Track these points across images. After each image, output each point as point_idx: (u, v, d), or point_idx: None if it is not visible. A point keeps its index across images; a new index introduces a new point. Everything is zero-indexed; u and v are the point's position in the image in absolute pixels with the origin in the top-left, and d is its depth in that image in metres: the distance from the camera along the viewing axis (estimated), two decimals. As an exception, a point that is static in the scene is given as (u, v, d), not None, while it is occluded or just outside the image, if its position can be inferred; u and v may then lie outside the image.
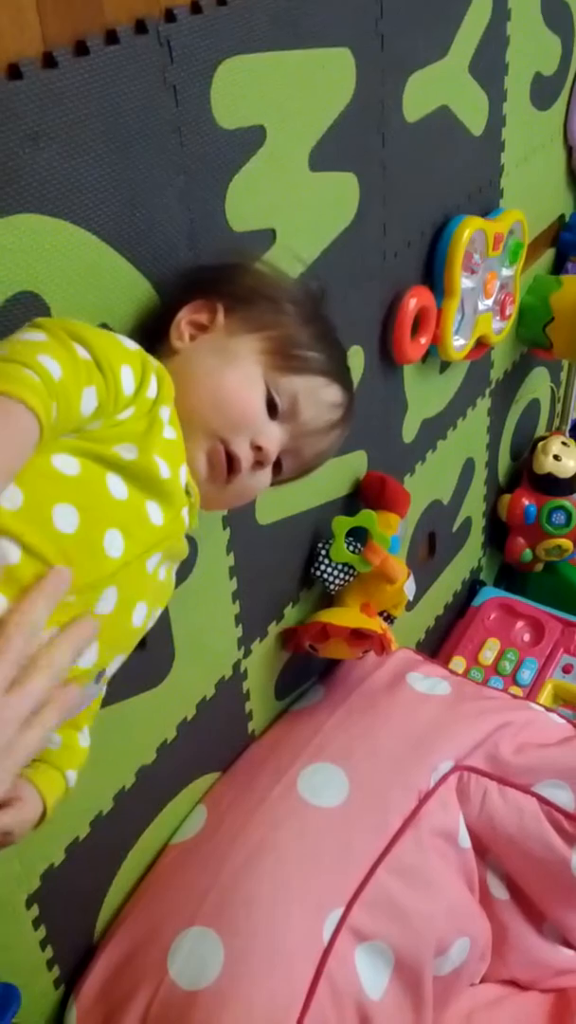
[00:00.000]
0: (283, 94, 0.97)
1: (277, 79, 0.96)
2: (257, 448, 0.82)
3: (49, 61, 0.72)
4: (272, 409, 0.84)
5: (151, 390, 0.75)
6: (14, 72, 0.70)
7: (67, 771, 0.76)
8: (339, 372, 0.91)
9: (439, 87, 1.26)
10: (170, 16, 0.82)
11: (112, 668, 0.75)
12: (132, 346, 0.75)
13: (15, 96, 0.70)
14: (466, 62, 1.31)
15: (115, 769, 1.03)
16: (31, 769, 0.73)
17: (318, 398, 0.87)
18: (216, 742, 1.21)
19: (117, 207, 0.81)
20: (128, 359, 0.73)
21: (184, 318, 0.84)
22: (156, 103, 0.82)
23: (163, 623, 1.03)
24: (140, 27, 0.79)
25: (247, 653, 1.20)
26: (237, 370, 0.82)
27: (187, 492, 0.78)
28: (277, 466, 0.87)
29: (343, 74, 1.07)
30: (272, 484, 0.88)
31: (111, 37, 0.77)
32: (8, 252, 0.73)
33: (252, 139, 0.95)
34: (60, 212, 0.76)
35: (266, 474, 0.85)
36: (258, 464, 0.83)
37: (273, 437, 0.83)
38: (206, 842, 1.13)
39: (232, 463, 0.81)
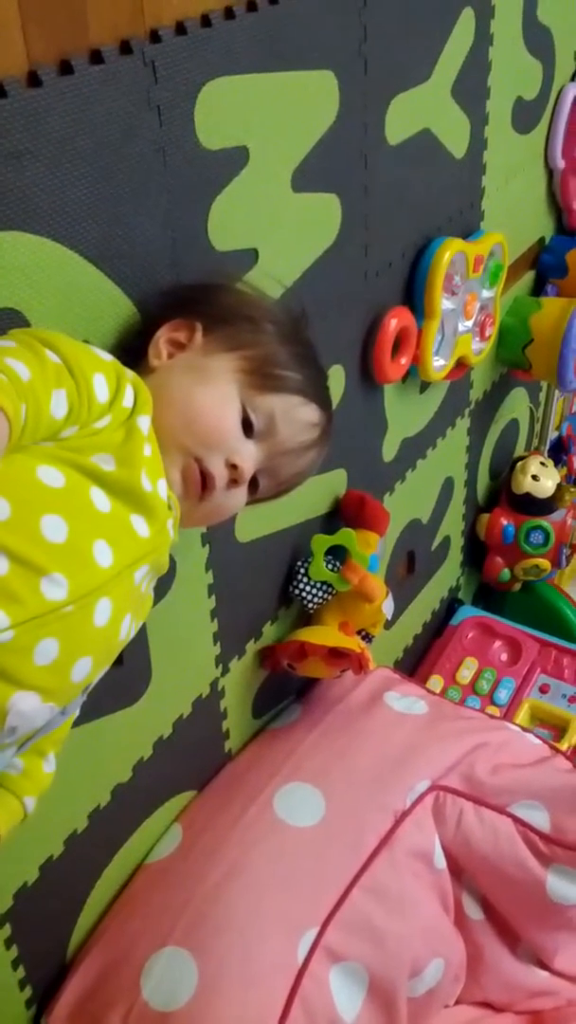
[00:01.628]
0: (267, 115, 0.98)
1: (261, 101, 0.97)
2: (232, 466, 0.82)
3: (33, 80, 0.72)
4: (248, 428, 0.84)
5: (127, 399, 0.75)
6: (-2, 91, 0.70)
7: (24, 798, 0.75)
8: (317, 392, 0.91)
9: (422, 110, 1.27)
10: (155, 37, 0.83)
11: (95, 681, 0.75)
12: (106, 357, 0.76)
13: (-1, 114, 0.70)
14: (449, 86, 1.32)
15: (90, 787, 1.03)
16: None
17: (294, 417, 0.87)
18: (192, 761, 1.21)
19: (100, 226, 0.81)
20: (101, 367, 0.73)
21: (162, 336, 0.85)
22: (140, 123, 0.82)
23: (140, 640, 1.02)
24: (125, 47, 0.80)
25: (225, 671, 1.20)
26: (212, 388, 0.82)
27: (169, 506, 0.78)
28: (254, 485, 0.87)
29: (326, 96, 1.07)
30: (248, 503, 0.89)
31: (96, 57, 0.77)
32: (-10, 269, 0.73)
33: (235, 160, 0.95)
34: (43, 230, 0.76)
35: (241, 493, 0.85)
36: (233, 482, 0.83)
37: (248, 455, 0.83)
38: (181, 861, 1.12)
39: (206, 480, 0.81)
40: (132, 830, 1.12)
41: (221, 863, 1.09)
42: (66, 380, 0.69)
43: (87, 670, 0.70)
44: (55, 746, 0.79)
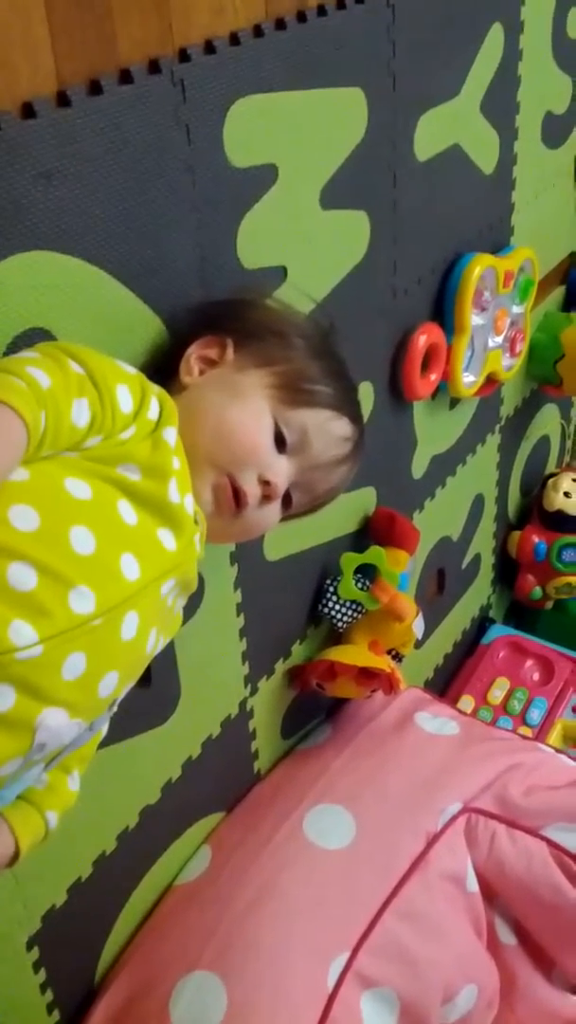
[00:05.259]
0: (295, 133, 0.98)
1: (289, 118, 0.96)
2: (265, 482, 0.82)
3: (63, 100, 0.73)
4: (280, 443, 0.83)
5: (152, 411, 0.74)
6: (28, 111, 0.70)
7: (47, 811, 0.74)
8: (348, 406, 0.91)
9: (450, 126, 1.27)
10: (184, 56, 0.83)
11: (122, 696, 0.74)
12: (131, 370, 0.76)
13: (29, 134, 0.70)
14: (477, 101, 1.32)
15: (119, 809, 1.02)
16: (10, 806, 0.73)
17: (327, 431, 0.87)
18: (221, 782, 1.20)
19: (129, 244, 0.81)
20: (125, 379, 0.73)
21: (193, 353, 0.84)
22: (169, 142, 0.83)
23: (169, 660, 1.02)
24: (154, 67, 0.80)
25: (254, 691, 1.19)
26: (244, 404, 0.82)
27: (195, 520, 0.78)
28: (287, 501, 0.87)
29: (355, 113, 1.07)
30: (282, 520, 0.88)
31: (125, 76, 0.77)
32: (20, 289, 0.73)
33: (264, 178, 0.95)
34: (72, 249, 0.76)
35: (275, 509, 0.85)
36: (266, 499, 0.82)
37: (281, 471, 0.83)
38: (210, 884, 1.11)
39: (239, 497, 0.81)
40: (161, 852, 1.11)
41: (250, 886, 1.08)
42: (88, 390, 0.69)
43: (114, 685, 0.70)
44: (80, 764, 0.78)
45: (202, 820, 1.17)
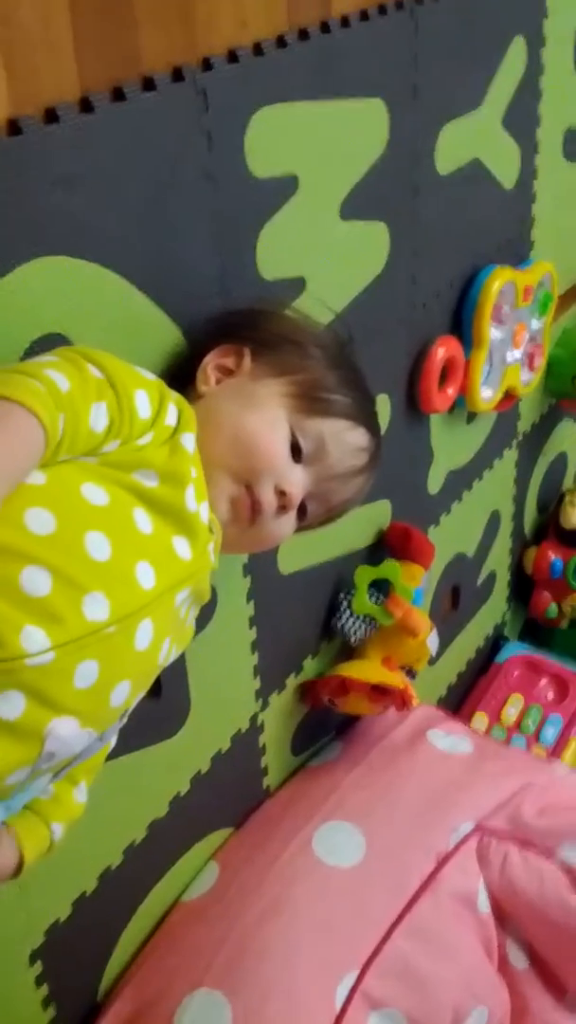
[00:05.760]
0: (317, 144, 0.97)
1: (311, 129, 0.96)
2: (281, 492, 0.81)
3: (86, 106, 0.73)
4: (296, 452, 0.83)
5: (170, 417, 0.74)
6: (51, 116, 0.70)
7: (52, 823, 0.74)
8: (365, 417, 0.90)
9: (472, 139, 1.26)
10: (207, 64, 0.82)
11: (133, 707, 0.74)
12: (150, 376, 0.75)
13: (51, 140, 0.70)
14: (499, 114, 1.31)
15: (126, 822, 1.01)
16: (16, 816, 0.72)
17: (343, 441, 0.86)
18: (230, 797, 1.19)
19: (148, 252, 0.81)
20: (143, 384, 0.73)
21: (211, 362, 0.84)
22: (190, 150, 0.82)
23: (179, 672, 1.01)
24: (177, 75, 0.80)
25: (264, 706, 1.18)
26: (261, 413, 0.82)
27: (210, 529, 0.77)
28: (302, 512, 0.86)
29: (376, 124, 1.07)
30: (296, 531, 0.87)
31: (148, 84, 0.77)
32: (38, 294, 0.72)
33: (285, 188, 0.95)
34: (91, 255, 0.76)
35: (290, 519, 0.84)
36: (282, 508, 0.82)
37: (297, 481, 0.82)
38: (217, 901, 1.10)
39: (255, 506, 0.80)
40: (167, 867, 1.10)
41: (258, 903, 1.07)
42: (107, 394, 0.68)
43: (126, 694, 0.69)
44: (88, 775, 0.78)
45: (210, 836, 1.16)
